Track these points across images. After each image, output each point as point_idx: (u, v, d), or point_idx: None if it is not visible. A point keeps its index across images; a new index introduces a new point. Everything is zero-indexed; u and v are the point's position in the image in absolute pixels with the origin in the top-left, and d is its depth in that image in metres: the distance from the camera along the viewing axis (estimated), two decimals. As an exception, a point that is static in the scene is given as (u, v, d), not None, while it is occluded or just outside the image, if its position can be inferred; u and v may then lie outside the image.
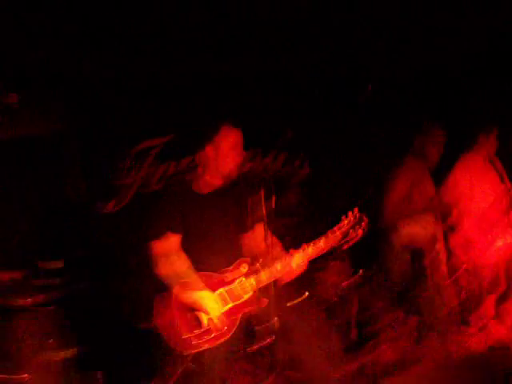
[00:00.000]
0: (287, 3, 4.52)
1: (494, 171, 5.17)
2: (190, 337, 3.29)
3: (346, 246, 3.54)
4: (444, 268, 4.94)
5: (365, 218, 3.56)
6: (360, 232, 3.53)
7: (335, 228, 3.52)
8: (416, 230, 4.56)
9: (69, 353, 4.29)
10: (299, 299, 3.73)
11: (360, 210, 3.62)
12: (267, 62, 5.43)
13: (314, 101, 5.93)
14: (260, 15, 4.69)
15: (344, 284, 4.92)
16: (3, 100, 5.08)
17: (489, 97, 5.87)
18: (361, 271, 4.93)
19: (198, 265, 3.43)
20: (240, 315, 3.39)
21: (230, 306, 3.36)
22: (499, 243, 5.03)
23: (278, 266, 3.40)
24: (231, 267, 3.45)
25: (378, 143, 5.51)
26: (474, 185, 5.07)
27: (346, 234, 3.52)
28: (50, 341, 4.13)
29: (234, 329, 3.35)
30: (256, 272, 3.42)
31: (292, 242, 3.61)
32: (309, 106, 5.90)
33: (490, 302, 5.09)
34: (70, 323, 4.35)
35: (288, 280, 3.52)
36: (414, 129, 4.65)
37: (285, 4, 4.57)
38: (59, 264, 4.60)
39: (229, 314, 3.35)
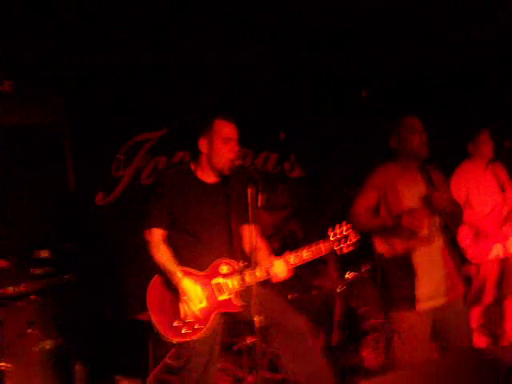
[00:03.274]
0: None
1: (494, 180, 4.95)
2: (180, 325, 3.29)
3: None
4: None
5: (353, 233, 3.52)
6: (345, 247, 3.51)
7: (320, 242, 3.48)
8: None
9: (50, 343, 4.31)
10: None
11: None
12: (262, 62, 5.43)
13: (309, 104, 5.93)
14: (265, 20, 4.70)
15: (327, 288, 4.91)
16: (-1, 87, 5.09)
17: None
18: (347, 274, 4.93)
19: (192, 255, 3.43)
20: (213, 315, 3.37)
21: (203, 305, 3.34)
22: (492, 255, 4.87)
23: (257, 272, 3.37)
24: (210, 267, 3.43)
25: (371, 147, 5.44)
26: (471, 193, 4.90)
27: (330, 249, 3.49)
28: (30, 331, 4.12)
29: (207, 326, 3.34)
30: (234, 275, 3.41)
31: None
32: (303, 110, 5.90)
33: (475, 314, 5.00)
34: (52, 314, 4.36)
35: (274, 282, 3.50)
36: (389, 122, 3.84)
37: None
38: (46, 254, 4.59)
39: (202, 312, 3.34)
